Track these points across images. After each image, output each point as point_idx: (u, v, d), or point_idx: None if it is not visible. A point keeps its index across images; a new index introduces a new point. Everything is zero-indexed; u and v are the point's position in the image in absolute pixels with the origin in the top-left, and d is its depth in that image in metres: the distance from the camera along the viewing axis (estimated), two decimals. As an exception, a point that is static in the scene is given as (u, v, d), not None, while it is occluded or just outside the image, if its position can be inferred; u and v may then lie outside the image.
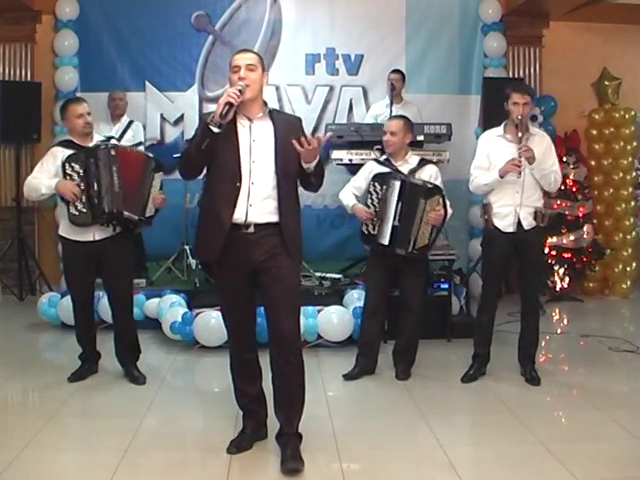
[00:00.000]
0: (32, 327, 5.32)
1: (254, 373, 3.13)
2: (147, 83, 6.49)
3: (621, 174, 6.84)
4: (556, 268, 6.46)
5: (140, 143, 5.79)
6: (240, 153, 2.88)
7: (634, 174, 6.96)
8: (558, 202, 6.38)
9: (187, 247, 5.74)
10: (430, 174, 4.16)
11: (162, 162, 4.15)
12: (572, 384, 4.13)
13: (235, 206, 2.86)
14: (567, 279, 6.53)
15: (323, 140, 2.87)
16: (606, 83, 6.95)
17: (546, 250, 6.28)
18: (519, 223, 3.98)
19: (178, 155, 5.90)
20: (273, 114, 3.01)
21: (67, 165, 3.78)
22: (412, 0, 6.64)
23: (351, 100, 6.65)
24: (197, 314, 4.74)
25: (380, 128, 5.29)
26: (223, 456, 3.01)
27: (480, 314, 4.21)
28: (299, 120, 3.13)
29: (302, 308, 3.66)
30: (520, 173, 3.87)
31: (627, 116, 6.80)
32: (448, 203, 4.10)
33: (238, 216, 2.87)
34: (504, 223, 4.02)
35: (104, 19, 6.42)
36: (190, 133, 6.48)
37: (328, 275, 5.61)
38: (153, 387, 3.97)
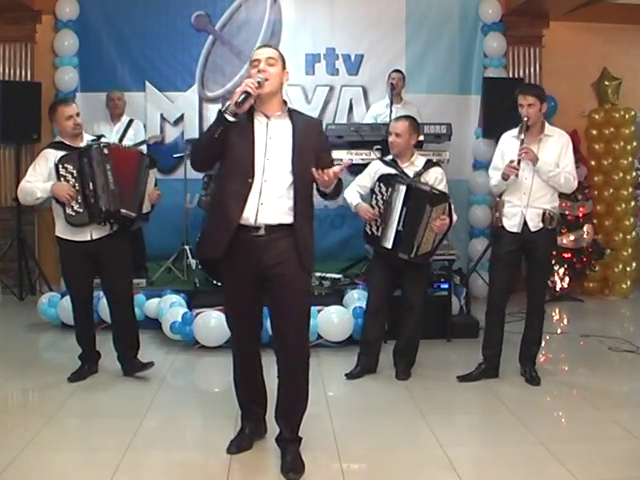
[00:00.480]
0: (32, 327, 5.32)
1: (255, 373, 3.10)
2: (147, 83, 6.50)
3: (621, 174, 6.85)
4: (556, 268, 6.47)
5: (143, 142, 5.79)
6: (255, 149, 2.80)
7: (634, 174, 6.97)
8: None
9: (187, 247, 5.75)
10: (436, 176, 4.15)
11: (155, 158, 4.16)
12: (572, 384, 4.13)
13: (245, 203, 2.77)
14: (567, 279, 6.54)
15: (339, 172, 2.79)
16: (606, 83, 6.95)
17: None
18: (525, 224, 3.97)
19: (178, 155, 6.07)
20: (292, 114, 2.93)
21: (60, 166, 3.78)
22: (412, 0, 6.65)
23: (351, 100, 6.66)
24: (197, 314, 4.74)
25: (380, 128, 5.33)
26: (223, 456, 3.01)
27: (486, 314, 4.20)
28: (319, 123, 3.08)
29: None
30: (517, 175, 3.87)
31: (627, 116, 6.80)
32: (453, 208, 4.08)
33: (248, 215, 2.78)
34: (511, 223, 4.02)
35: (104, 19, 6.43)
36: (190, 133, 6.52)
37: (328, 275, 5.61)
38: (153, 387, 3.97)
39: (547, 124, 4.04)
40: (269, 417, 3.13)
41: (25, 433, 3.23)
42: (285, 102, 2.94)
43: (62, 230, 3.92)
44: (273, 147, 2.83)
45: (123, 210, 3.84)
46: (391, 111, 5.45)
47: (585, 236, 6.45)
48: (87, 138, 4.00)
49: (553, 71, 6.72)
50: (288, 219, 2.82)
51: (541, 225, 3.96)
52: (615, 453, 3.10)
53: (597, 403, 3.74)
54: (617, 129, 6.84)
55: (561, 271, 6.51)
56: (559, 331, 5.46)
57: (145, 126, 6.16)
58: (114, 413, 3.59)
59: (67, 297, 4.61)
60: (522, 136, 3.87)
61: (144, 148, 5.84)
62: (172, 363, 4.50)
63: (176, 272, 5.78)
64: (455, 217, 4.08)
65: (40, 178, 3.83)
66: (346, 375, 4.16)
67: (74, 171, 3.79)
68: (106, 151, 3.84)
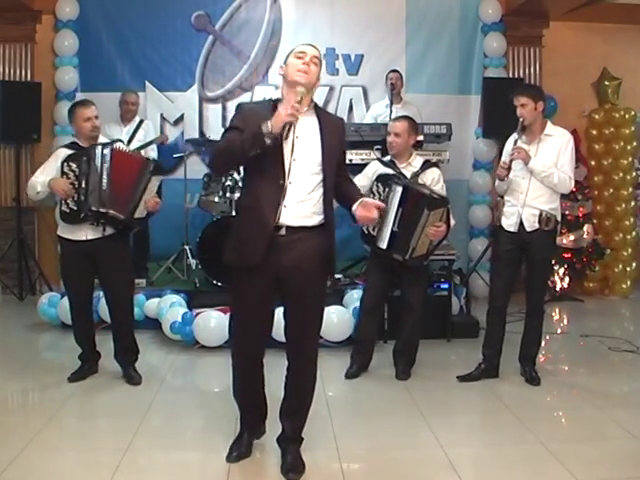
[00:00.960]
0: (32, 327, 5.32)
1: (257, 376, 2.99)
2: (147, 83, 6.50)
3: (621, 174, 6.85)
4: (556, 268, 6.47)
5: (151, 142, 5.78)
6: (283, 151, 2.71)
7: (634, 174, 6.97)
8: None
9: (187, 247, 5.75)
10: (433, 177, 4.14)
11: (162, 165, 4.12)
12: (572, 384, 4.13)
13: (279, 206, 2.68)
14: (567, 279, 6.54)
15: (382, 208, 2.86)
16: (606, 83, 6.95)
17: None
18: (522, 224, 3.98)
19: (178, 155, 6.07)
20: (318, 110, 2.85)
21: (65, 164, 3.82)
22: (412, 0, 6.65)
23: (351, 100, 6.66)
24: (197, 314, 4.74)
25: (380, 128, 5.32)
26: (223, 456, 3.01)
27: (487, 313, 4.20)
28: (344, 122, 3.03)
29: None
30: (508, 176, 3.92)
31: (627, 116, 6.80)
32: (452, 213, 4.06)
33: None
34: (508, 222, 4.04)
35: (104, 19, 6.43)
36: (190, 133, 6.52)
37: (328, 275, 5.59)
38: (153, 387, 3.97)
39: (549, 123, 4.03)
40: (269, 417, 3.12)
41: (25, 433, 3.23)
42: (312, 100, 2.85)
43: (62, 229, 3.96)
44: (300, 147, 2.74)
45: (111, 211, 3.80)
46: (391, 111, 5.46)
47: (585, 236, 6.45)
48: (102, 140, 4.01)
49: (553, 71, 6.72)
50: (309, 222, 2.75)
51: (537, 226, 3.96)
52: (615, 453, 3.10)
53: (597, 403, 3.74)
54: (617, 129, 6.84)
55: (561, 271, 6.51)
56: (559, 331, 5.46)
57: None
58: (114, 413, 3.59)
59: (67, 298, 4.60)
60: (516, 136, 3.92)
61: (154, 149, 5.85)
62: (172, 363, 4.50)
63: (176, 272, 5.78)
64: (453, 222, 4.07)
65: (48, 175, 3.86)
66: (345, 375, 4.16)
67: (76, 169, 3.82)
68: (107, 152, 3.84)
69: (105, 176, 3.80)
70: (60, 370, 4.13)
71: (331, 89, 6.63)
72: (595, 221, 6.69)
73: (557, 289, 6.50)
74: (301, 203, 2.73)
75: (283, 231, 2.72)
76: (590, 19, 6.69)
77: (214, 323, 4.64)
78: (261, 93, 6.53)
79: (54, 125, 6.39)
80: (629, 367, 4.53)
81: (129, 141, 5.64)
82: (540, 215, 3.95)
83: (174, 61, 6.56)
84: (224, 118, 6.57)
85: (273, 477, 2.88)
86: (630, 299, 6.75)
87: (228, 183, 5.45)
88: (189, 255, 5.73)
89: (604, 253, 6.60)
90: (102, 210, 3.79)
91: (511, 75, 6.70)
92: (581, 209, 6.53)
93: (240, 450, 3.03)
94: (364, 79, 6.67)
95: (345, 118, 6.56)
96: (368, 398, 3.92)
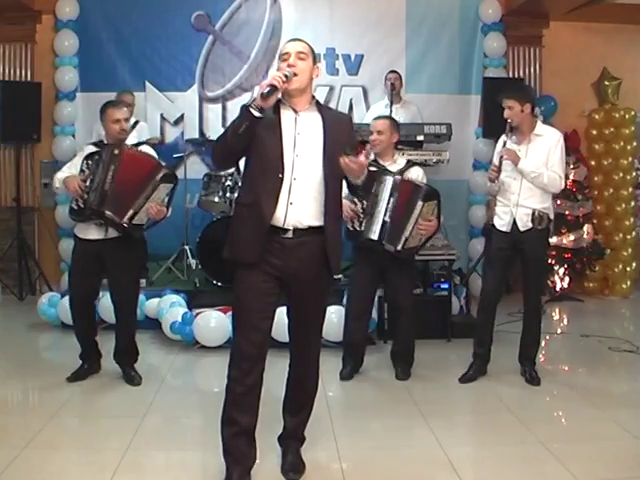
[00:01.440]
0: (32, 327, 5.32)
1: (252, 402, 2.73)
2: (147, 83, 6.50)
3: (621, 174, 6.84)
4: (556, 268, 6.47)
5: (141, 143, 5.74)
6: (283, 145, 2.65)
7: (634, 174, 6.97)
8: (558, 202, 6.38)
9: (187, 247, 5.75)
10: (417, 174, 4.15)
11: (175, 176, 4.00)
12: (572, 384, 4.13)
13: (278, 200, 2.63)
14: (567, 279, 6.54)
15: (367, 159, 2.67)
16: (606, 83, 6.95)
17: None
18: (515, 223, 3.99)
19: (178, 155, 6.06)
20: (322, 107, 2.79)
21: (84, 162, 3.86)
22: (412, 0, 6.64)
23: (351, 100, 6.65)
24: (197, 314, 4.75)
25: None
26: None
27: (478, 312, 4.23)
28: (350, 119, 2.98)
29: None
30: (498, 178, 3.96)
31: (627, 116, 6.80)
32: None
33: (279, 215, 2.64)
34: (501, 222, 4.06)
35: (104, 19, 6.42)
36: (190, 133, 6.52)
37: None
38: (153, 387, 3.97)
39: (539, 123, 4.07)
40: (269, 417, 3.12)
41: (25, 433, 3.23)
42: (314, 97, 2.79)
43: (77, 227, 3.98)
44: (302, 143, 2.68)
45: (108, 212, 3.76)
46: (391, 111, 5.45)
47: (585, 236, 6.45)
48: (130, 142, 3.99)
49: (553, 71, 6.72)
50: (316, 222, 2.69)
51: (530, 225, 3.97)
52: (615, 453, 3.10)
53: (597, 403, 3.74)
54: (617, 129, 6.84)
55: (561, 271, 6.51)
56: (559, 331, 5.45)
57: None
58: (114, 413, 3.60)
59: (67, 297, 4.60)
60: (505, 138, 3.98)
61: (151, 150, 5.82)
62: (172, 363, 4.50)
63: (176, 272, 5.78)
64: (442, 219, 4.08)
65: (73, 170, 3.91)
66: (341, 378, 4.15)
67: (90, 167, 3.84)
68: (116, 152, 3.82)
69: (110, 176, 3.79)
70: (60, 370, 4.12)
71: (331, 89, 6.62)
72: (595, 221, 6.69)
73: (557, 289, 6.50)
74: (308, 200, 2.67)
75: (290, 234, 2.67)
76: (590, 19, 6.69)
77: (214, 323, 4.64)
78: (261, 93, 6.53)
79: (54, 125, 6.39)
80: (629, 367, 4.53)
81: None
82: (533, 214, 3.97)
83: (174, 61, 6.55)
84: (224, 118, 6.57)
85: (273, 477, 2.88)
86: (630, 299, 6.75)
87: (228, 183, 5.46)
88: (189, 255, 5.73)
89: (604, 253, 6.60)
90: (100, 209, 3.79)
91: (511, 75, 6.70)
92: (581, 209, 6.53)
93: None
94: (364, 79, 6.66)
95: (345, 118, 6.57)
96: (368, 398, 3.92)
